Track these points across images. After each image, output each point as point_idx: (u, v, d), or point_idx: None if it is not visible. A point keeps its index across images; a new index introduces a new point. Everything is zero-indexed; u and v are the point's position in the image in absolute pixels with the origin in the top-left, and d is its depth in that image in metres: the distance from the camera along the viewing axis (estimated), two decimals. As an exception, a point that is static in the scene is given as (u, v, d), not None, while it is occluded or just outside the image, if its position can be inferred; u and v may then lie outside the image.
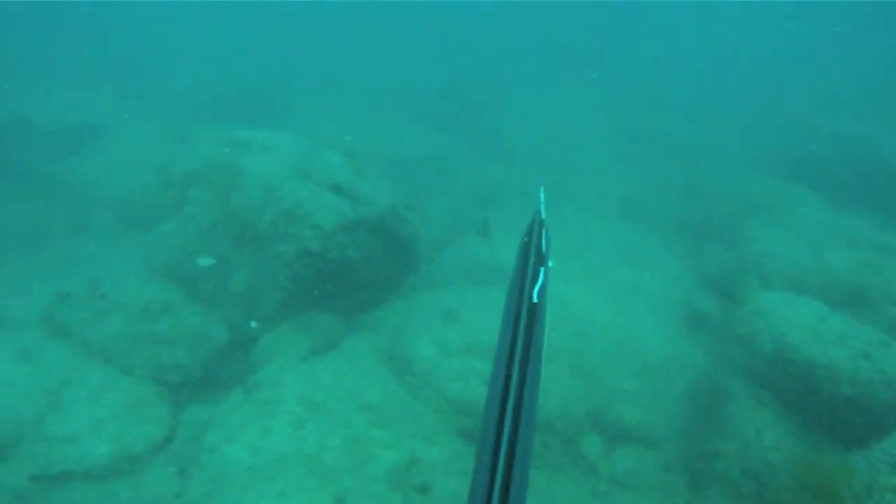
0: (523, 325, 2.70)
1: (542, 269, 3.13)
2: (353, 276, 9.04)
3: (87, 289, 8.41)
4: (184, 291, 9.19)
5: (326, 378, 7.81)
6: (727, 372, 8.15)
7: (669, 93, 24.85)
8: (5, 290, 9.49)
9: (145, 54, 21.85)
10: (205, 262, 8.88)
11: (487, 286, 9.76)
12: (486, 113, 20.73)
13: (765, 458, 6.79)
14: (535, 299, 2.87)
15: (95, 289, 8.29)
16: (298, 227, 8.48)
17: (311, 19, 30.68)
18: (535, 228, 3.53)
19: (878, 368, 6.82)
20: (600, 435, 7.59)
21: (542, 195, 3.79)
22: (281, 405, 7.21)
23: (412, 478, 6.47)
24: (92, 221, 11.95)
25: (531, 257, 3.23)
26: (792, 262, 10.30)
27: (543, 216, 3.70)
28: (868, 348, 7.06)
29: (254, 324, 8.68)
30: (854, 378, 6.81)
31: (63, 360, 8.22)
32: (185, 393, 8.12)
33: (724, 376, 8.07)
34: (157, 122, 15.95)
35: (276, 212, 8.56)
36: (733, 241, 11.69)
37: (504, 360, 2.53)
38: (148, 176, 11.38)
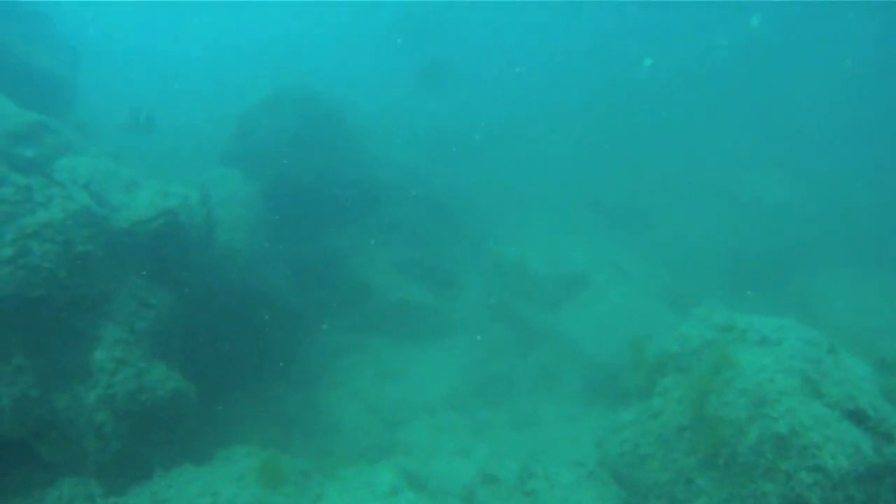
0: None
1: None
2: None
3: (516, 475, 7.18)
4: (626, 504, 7.26)
5: None
6: None
7: None
8: (450, 446, 9.15)
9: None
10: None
11: None
12: None
13: None
14: None
15: (525, 480, 6.97)
16: (792, 463, 5.80)
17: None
18: None
19: None
20: None
21: None
22: None
23: None
24: (559, 380, 11.19)
25: None
26: None
27: None
28: None
29: None
30: None
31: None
32: None
33: None
34: (657, 280, 14.49)
35: (763, 434, 6.04)
36: None
37: None
38: (623, 344, 10.07)
